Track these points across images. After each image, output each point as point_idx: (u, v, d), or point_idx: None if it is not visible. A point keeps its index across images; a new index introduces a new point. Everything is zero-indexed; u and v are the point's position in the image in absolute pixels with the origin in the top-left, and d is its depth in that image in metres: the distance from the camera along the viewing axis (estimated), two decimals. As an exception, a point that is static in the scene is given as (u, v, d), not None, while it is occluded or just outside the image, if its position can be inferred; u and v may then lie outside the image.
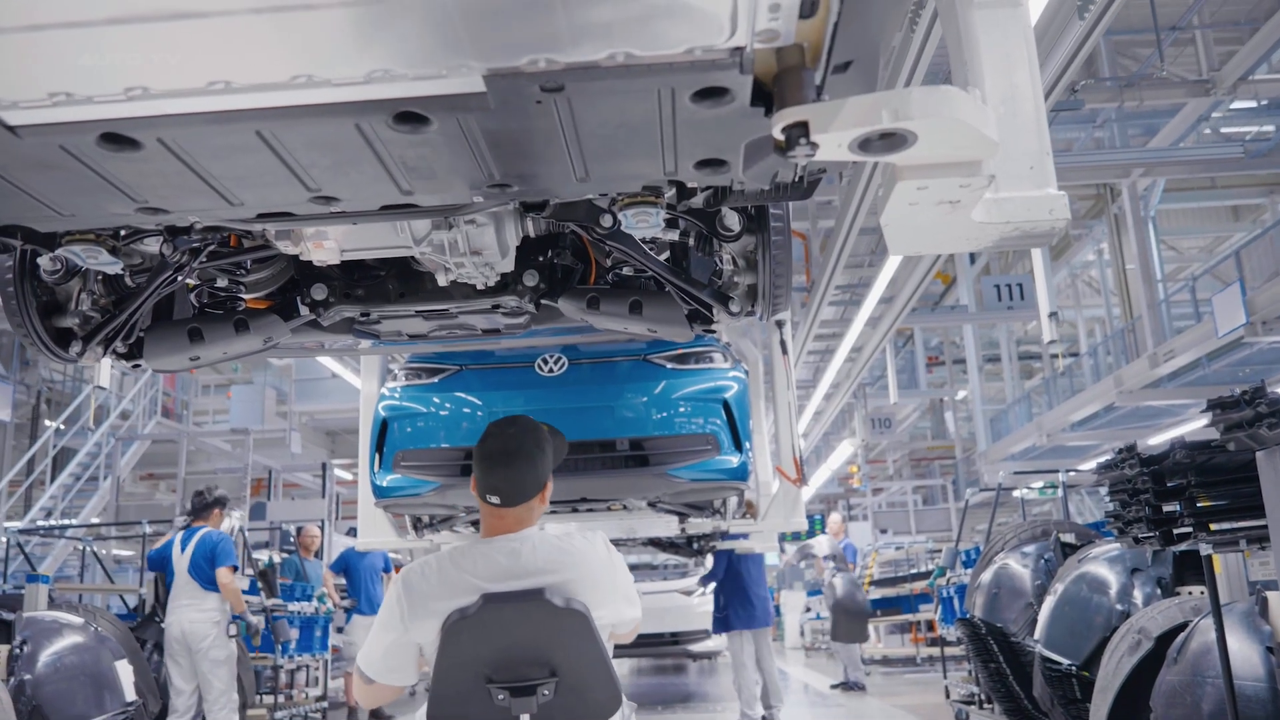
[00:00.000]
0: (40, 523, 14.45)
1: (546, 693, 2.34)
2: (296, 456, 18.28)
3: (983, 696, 7.85)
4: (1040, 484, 12.97)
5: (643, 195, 2.32)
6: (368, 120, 1.72)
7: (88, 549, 10.66)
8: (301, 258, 2.80)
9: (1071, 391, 17.86)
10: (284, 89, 1.59)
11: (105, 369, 8.77)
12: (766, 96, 1.65)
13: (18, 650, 5.34)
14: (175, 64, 1.51)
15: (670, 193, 2.35)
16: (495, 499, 2.48)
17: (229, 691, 6.70)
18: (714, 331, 3.30)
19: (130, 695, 5.69)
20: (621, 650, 12.20)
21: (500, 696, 2.34)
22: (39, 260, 2.80)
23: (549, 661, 2.37)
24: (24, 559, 10.37)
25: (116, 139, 1.74)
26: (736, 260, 3.04)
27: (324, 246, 2.71)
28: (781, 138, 1.55)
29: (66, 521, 14.72)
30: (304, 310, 3.20)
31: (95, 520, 15.14)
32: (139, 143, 1.77)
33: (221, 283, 3.21)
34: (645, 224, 2.41)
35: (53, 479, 15.66)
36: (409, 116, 1.71)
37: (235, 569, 6.95)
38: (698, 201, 2.51)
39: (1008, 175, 1.85)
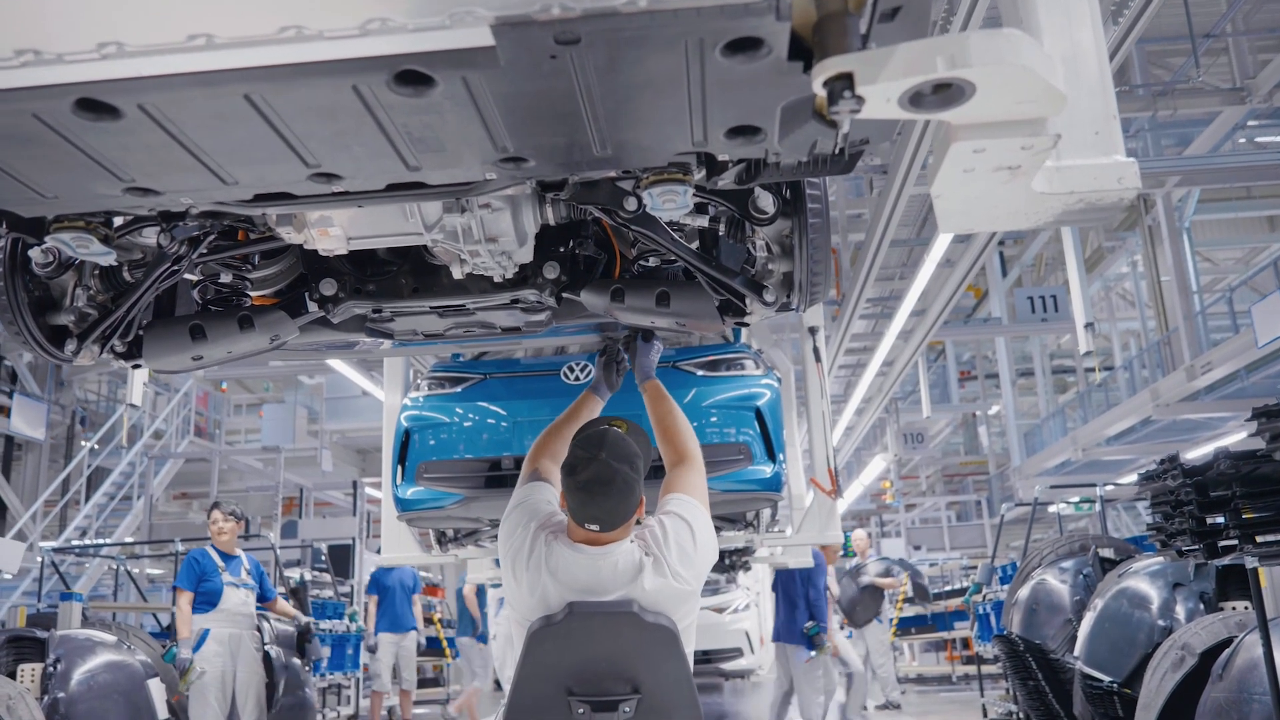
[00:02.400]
0: (74, 542, 14.58)
1: (628, 710, 2.30)
2: (328, 474, 18.37)
3: (1021, 715, 7.73)
4: (1077, 499, 12.79)
5: (669, 173, 2.16)
6: (366, 81, 1.58)
7: (121, 568, 10.73)
8: (306, 246, 2.66)
9: (1106, 405, 17.61)
10: (272, 44, 1.47)
11: (138, 386, 8.79)
12: (805, 52, 1.51)
13: (51, 668, 5.37)
14: (151, 13, 1.40)
15: (699, 174, 2.21)
16: (594, 527, 2.45)
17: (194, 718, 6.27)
18: (746, 324, 3.09)
19: (162, 713, 5.70)
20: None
21: (580, 711, 2.31)
22: (30, 253, 2.69)
23: (633, 678, 2.33)
24: (59, 578, 10.46)
25: (94, 106, 1.63)
26: (770, 246, 2.86)
27: (329, 234, 2.57)
28: (823, 92, 1.42)
29: (100, 541, 14.84)
30: (312, 306, 3.04)
31: (129, 540, 15.28)
32: (118, 110, 1.65)
33: (226, 279, 3.07)
34: (672, 205, 2.23)
35: (87, 498, 15.82)
36: (411, 76, 1.57)
37: (187, 591, 6.49)
38: (729, 179, 2.35)
39: (1071, 142, 1.67)
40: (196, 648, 6.30)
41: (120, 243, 2.57)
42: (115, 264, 2.80)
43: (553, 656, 2.36)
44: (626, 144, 1.92)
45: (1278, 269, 12.38)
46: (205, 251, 2.74)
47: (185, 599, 6.43)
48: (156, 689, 5.69)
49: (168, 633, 8.20)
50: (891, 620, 14.62)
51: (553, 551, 2.48)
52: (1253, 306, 10.94)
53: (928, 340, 13.38)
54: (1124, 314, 21.87)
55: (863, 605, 11.19)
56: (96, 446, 16.47)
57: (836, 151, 1.99)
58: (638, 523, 2.58)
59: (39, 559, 12.90)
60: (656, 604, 2.39)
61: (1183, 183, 12.93)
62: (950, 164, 1.61)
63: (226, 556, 6.72)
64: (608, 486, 2.42)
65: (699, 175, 2.21)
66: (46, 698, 5.22)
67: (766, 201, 2.66)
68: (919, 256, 11.94)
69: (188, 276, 3.07)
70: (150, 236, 2.64)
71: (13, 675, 5.27)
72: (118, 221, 2.54)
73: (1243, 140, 14.87)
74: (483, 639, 10.41)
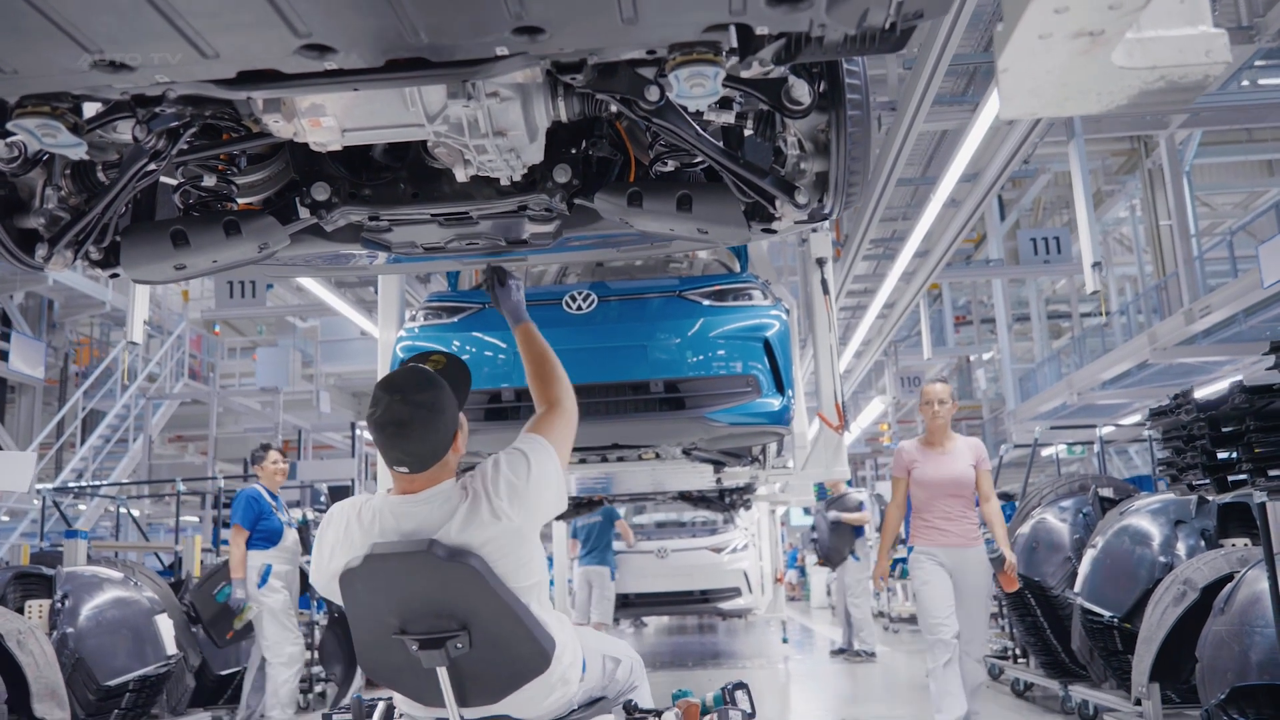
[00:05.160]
0: (72, 485, 14.62)
1: (460, 645, 2.27)
2: (325, 416, 18.38)
3: (1016, 651, 7.82)
4: (1073, 440, 12.84)
5: (699, 52, 1.94)
6: None
7: (121, 509, 10.76)
8: (296, 139, 2.45)
9: (1101, 350, 17.67)
10: None
11: (138, 324, 8.63)
12: None
13: (59, 604, 5.38)
14: None
15: (732, 60, 2.01)
16: (403, 469, 2.36)
17: (276, 645, 6.29)
18: (774, 231, 2.86)
19: (171, 649, 5.74)
20: (651, 609, 12.19)
21: (413, 648, 2.28)
22: None
23: (453, 614, 2.29)
24: (60, 518, 10.48)
25: None
26: (804, 143, 2.61)
27: (321, 125, 2.35)
28: None
29: (101, 482, 14.88)
30: (304, 213, 2.82)
31: (128, 480, 15.31)
32: None
33: (210, 182, 2.82)
34: (701, 90, 2.01)
35: (82, 441, 15.81)
36: None
37: (245, 529, 6.45)
38: (765, 58, 2.13)
39: (1154, 11, 1.50)
40: (262, 583, 6.32)
41: (93, 139, 2.39)
42: (88, 160, 2.60)
43: (365, 598, 2.34)
44: (655, 9, 1.72)
45: (1279, 213, 12.33)
46: (186, 148, 2.52)
47: (242, 538, 6.41)
48: (164, 624, 5.71)
49: (171, 571, 8.21)
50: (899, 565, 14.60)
51: (368, 511, 2.43)
52: (1259, 246, 10.90)
53: (930, 281, 13.34)
54: (1120, 259, 21.87)
55: (834, 543, 10.96)
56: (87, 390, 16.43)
57: (887, 26, 1.80)
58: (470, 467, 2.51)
59: (35, 501, 12.94)
60: (472, 544, 2.31)
61: (1188, 123, 12.83)
62: (1025, 29, 1.45)
63: (274, 496, 6.75)
64: (402, 427, 2.33)
65: (731, 61, 2.03)
66: (55, 633, 5.24)
67: (801, 91, 2.40)
68: (924, 196, 11.85)
69: (168, 180, 2.86)
70: (125, 131, 2.44)
71: (20, 611, 5.29)
72: (89, 113, 2.35)
73: (1246, 84, 14.73)
74: (614, 572, 10.36)
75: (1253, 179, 20.03)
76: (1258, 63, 13.71)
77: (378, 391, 2.38)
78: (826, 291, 6.31)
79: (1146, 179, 16.19)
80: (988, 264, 18.05)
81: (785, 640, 12.09)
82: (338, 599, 2.45)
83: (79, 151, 2.26)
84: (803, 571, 24.10)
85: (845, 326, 19.59)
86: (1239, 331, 13.20)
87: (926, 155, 15.46)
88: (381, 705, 2.63)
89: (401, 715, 2.55)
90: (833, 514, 10.95)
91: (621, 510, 12.73)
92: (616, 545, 11.49)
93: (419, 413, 2.33)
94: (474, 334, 4.84)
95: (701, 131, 2.56)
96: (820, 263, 6.30)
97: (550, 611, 2.48)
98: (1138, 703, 5.08)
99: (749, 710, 2.82)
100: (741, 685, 2.90)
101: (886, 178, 9.43)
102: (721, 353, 4.64)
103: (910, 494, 5.60)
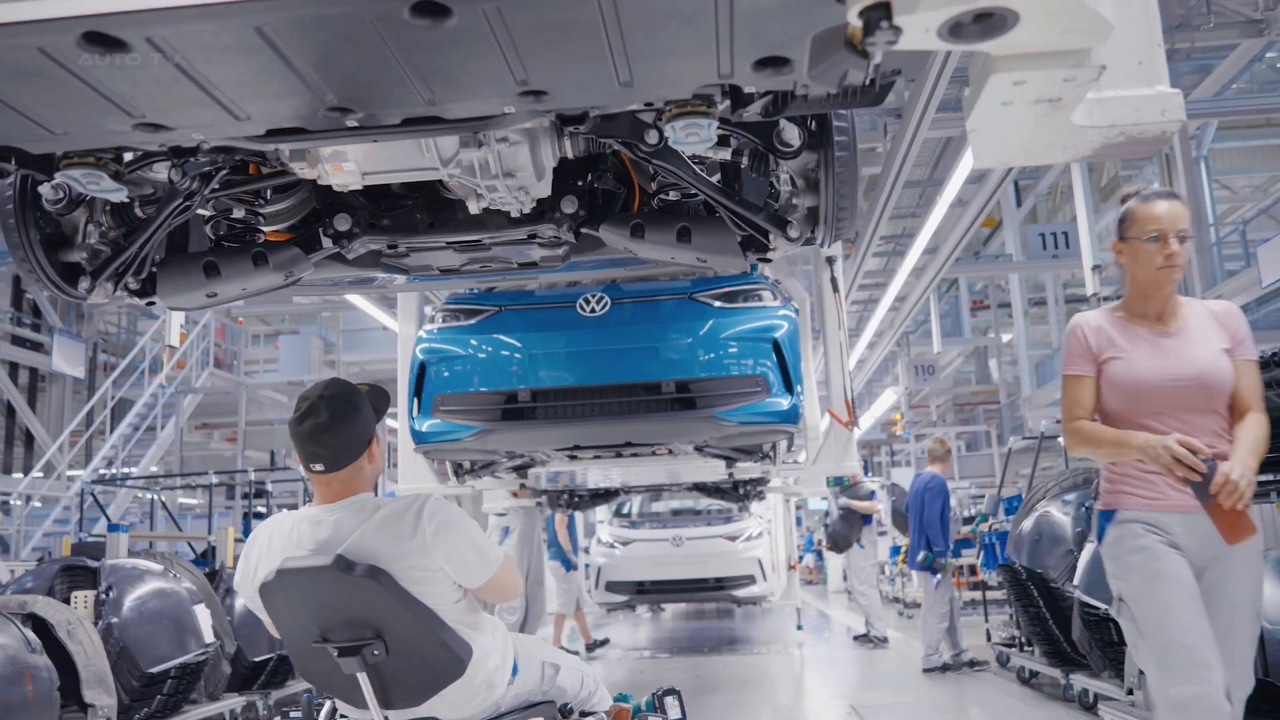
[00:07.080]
0: (104, 472, 14.91)
1: (376, 653, 2.35)
2: (349, 407, 18.55)
3: (1023, 639, 7.95)
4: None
5: (693, 105, 2.07)
6: (384, 13, 1.52)
7: (155, 498, 11.04)
8: (320, 182, 2.59)
9: (1117, 336, 17.64)
10: None
11: (175, 326, 8.84)
12: None
13: (104, 595, 5.62)
14: None
15: (723, 104, 2.11)
16: (319, 466, 2.44)
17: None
18: (769, 260, 3.02)
19: (209, 637, 5.96)
20: (667, 596, 12.36)
21: (334, 655, 2.38)
22: (40, 189, 2.61)
23: (367, 624, 2.37)
24: (95, 506, 10.78)
25: (101, 39, 1.56)
26: (795, 180, 2.75)
27: (343, 169, 2.50)
28: (859, 23, 1.34)
29: (136, 472, 15.14)
30: (327, 242, 2.98)
31: (155, 469, 15.60)
32: (126, 44, 1.58)
33: (238, 214, 2.99)
34: (695, 138, 2.14)
35: (111, 429, 16.10)
36: (428, 7, 1.50)
37: None
38: (754, 111, 2.23)
39: (1113, 72, 1.55)
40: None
41: (131, 178, 2.53)
42: (126, 200, 2.76)
43: (284, 610, 2.45)
44: (649, 76, 1.84)
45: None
46: (217, 187, 2.68)
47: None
48: (203, 614, 5.96)
49: (203, 560, 8.47)
50: (899, 549, 14.82)
51: (288, 523, 2.53)
52: (1258, 248, 10.98)
53: (939, 277, 13.42)
54: (1138, 243, 21.73)
55: (841, 530, 11.07)
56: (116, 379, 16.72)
57: (867, 83, 1.91)
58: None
59: (68, 489, 13.29)
60: (385, 552, 2.38)
61: (1201, 113, 12.85)
62: (988, 97, 1.53)
63: None
64: (318, 416, 2.41)
65: (723, 107, 2.13)
66: (100, 622, 5.46)
67: (792, 134, 2.56)
68: (932, 196, 11.94)
69: (200, 212, 3.03)
70: (161, 171, 2.58)
71: (67, 601, 5.53)
72: (128, 157, 2.50)
73: (1263, 66, 14.68)
74: (568, 565, 10.57)
75: (1273, 162, 19.93)
76: (1269, 54, 13.72)
77: (299, 400, 2.50)
78: (836, 289, 6.37)
79: (1164, 164, 16.16)
80: (996, 259, 18.07)
81: (800, 627, 12.25)
82: (260, 611, 2.55)
83: (120, 195, 2.42)
84: (819, 555, 24.23)
85: (857, 319, 19.67)
86: (1252, 321, 13.19)
87: (934, 157, 15.51)
88: (326, 705, 2.76)
89: (343, 716, 2.66)
90: (843, 500, 11.11)
91: (638, 499, 12.94)
92: (633, 534, 11.72)
93: (335, 405, 2.44)
94: (491, 335, 4.93)
95: (698, 170, 2.72)
96: (830, 261, 6.35)
97: (476, 615, 2.56)
98: (1130, 692, 5.26)
99: (678, 716, 2.89)
100: (673, 691, 2.97)
101: (894, 181, 9.53)
102: (732, 353, 4.73)
103: (1102, 410, 2.88)
